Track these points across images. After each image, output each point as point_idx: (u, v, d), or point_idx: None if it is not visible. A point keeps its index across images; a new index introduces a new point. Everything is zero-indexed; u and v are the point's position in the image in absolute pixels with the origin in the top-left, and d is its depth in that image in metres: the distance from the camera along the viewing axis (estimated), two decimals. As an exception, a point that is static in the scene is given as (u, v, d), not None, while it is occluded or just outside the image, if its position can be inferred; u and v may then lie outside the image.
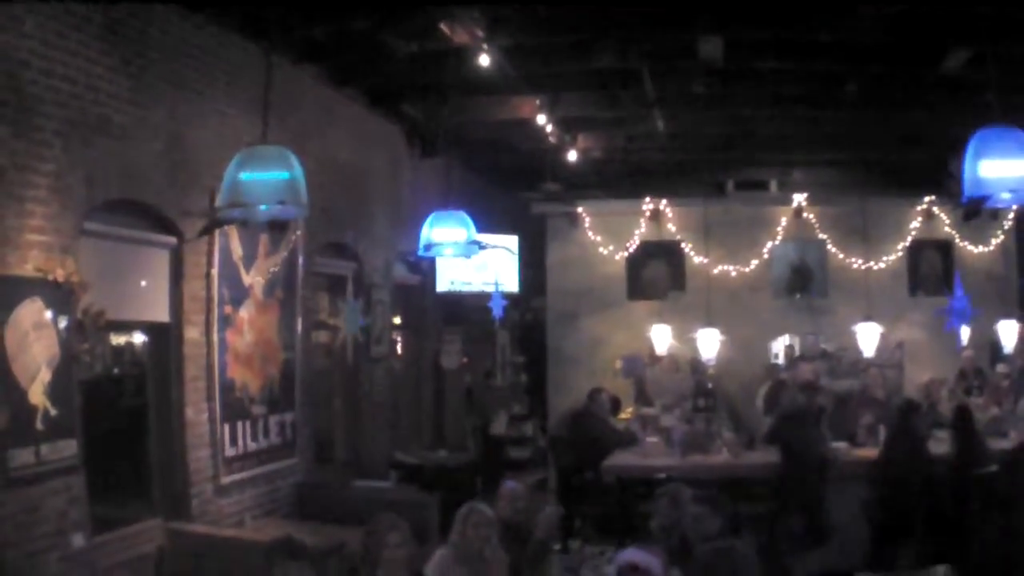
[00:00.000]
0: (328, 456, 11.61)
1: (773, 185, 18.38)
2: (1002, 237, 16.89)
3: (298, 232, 10.13)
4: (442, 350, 15.56)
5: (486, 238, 13.60)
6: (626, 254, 17.20)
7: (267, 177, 7.48)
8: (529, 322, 18.23)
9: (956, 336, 15.29)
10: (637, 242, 17.15)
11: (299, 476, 10.33)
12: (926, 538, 10.53)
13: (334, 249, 11.62)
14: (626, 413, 15.00)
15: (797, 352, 16.46)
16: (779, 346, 16.89)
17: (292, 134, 9.34)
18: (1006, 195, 7.13)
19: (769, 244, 17.00)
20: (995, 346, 16.04)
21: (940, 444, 11.51)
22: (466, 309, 15.98)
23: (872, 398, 13.14)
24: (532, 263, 17.52)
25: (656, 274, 17.53)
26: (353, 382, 12.25)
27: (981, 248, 16.86)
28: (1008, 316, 15.95)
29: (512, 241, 16.45)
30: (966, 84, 11.20)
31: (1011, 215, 16.18)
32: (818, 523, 11.00)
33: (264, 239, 9.60)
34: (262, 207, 7.17)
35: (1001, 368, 14.99)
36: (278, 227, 9.00)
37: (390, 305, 13.33)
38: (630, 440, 12.96)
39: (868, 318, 15.36)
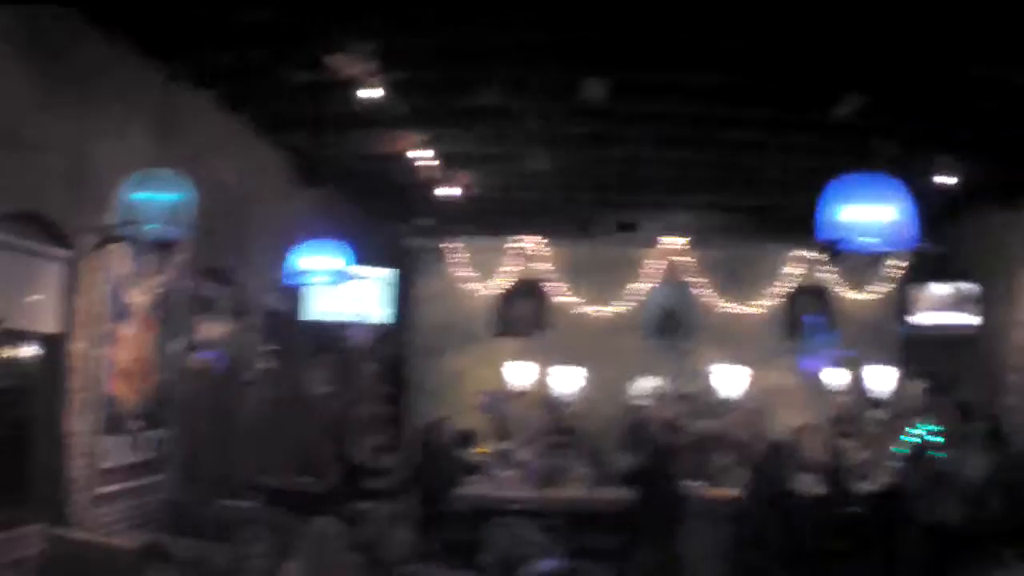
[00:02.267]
0: (197, 475, 11.97)
1: (650, 227, 18.98)
2: (886, 286, 17.99)
3: (183, 254, 10.58)
4: (309, 378, 15.99)
5: (361, 269, 14.13)
6: (495, 291, 18.07)
7: (158, 198, 8.16)
8: (394, 354, 18.66)
9: (826, 380, 16.66)
10: (507, 279, 18.03)
11: (169, 492, 10.72)
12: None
13: (214, 273, 12.03)
14: (484, 448, 15.63)
15: (662, 394, 17.28)
16: (644, 387, 17.71)
17: (186, 157, 9.70)
18: (871, 240, 7.40)
19: (639, 286, 17.96)
20: (870, 392, 16.89)
21: (808, 486, 12.50)
22: (335, 339, 16.42)
23: (732, 440, 14.06)
24: (402, 296, 17.83)
25: (523, 311, 18.45)
26: (223, 405, 12.67)
27: (861, 295, 18.03)
28: (880, 362, 16.81)
29: (387, 274, 16.80)
30: (857, 130, 11.66)
31: (896, 263, 17.45)
32: (670, 561, 11.73)
33: (151, 259, 9.99)
34: (151, 227, 7.78)
35: (874, 414, 15.93)
36: (165, 248, 9.64)
37: (261, 331, 13.78)
38: (471, 469, 14.00)
39: (731, 361, 16.32)
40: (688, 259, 18.08)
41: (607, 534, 12.10)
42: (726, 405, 16.07)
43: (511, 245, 18.20)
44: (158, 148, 8.37)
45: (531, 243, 18.18)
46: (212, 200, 11.01)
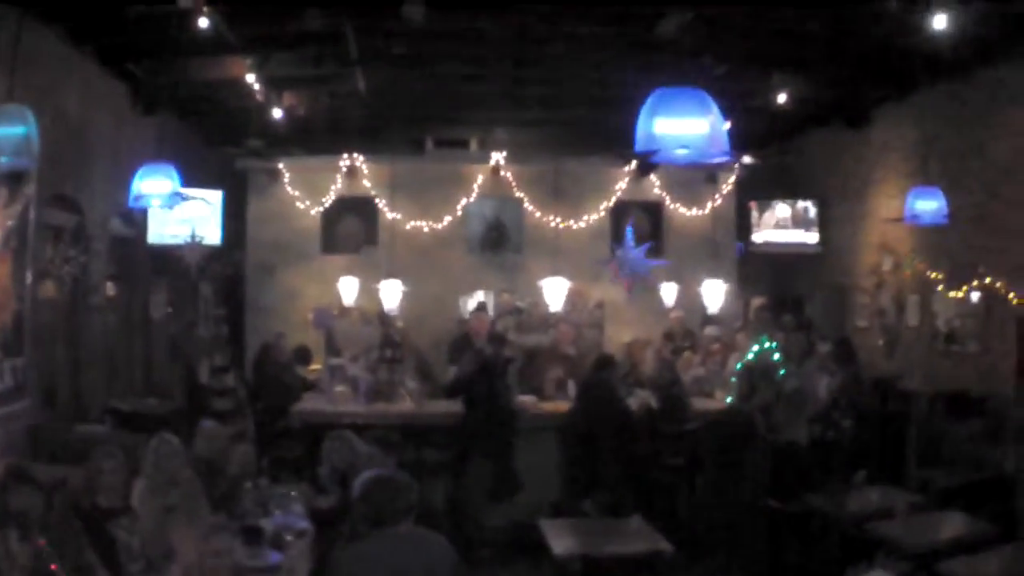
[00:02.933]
0: (54, 401, 12.23)
1: (473, 143, 19.53)
2: (719, 201, 18.58)
3: (31, 185, 10.82)
4: (150, 301, 16.19)
5: (195, 192, 14.83)
6: (322, 209, 18.24)
7: (6, 132, 8.49)
8: (230, 275, 18.80)
9: (660, 296, 17.07)
10: (333, 197, 18.20)
11: (29, 420, 10.97)
12: (616, 490, 11.65)
13: (59, 202, 12.22)
14: (317, 364, 16.04)
15: (484, 306, 17.41)
16: (473, 302, 17.90)
17: (34, 90, 9.99)
18: (681, 151, 7.39)
19: (464, 201, 18.18)
20: (705, 308, 17.34)
21: (639, 402, 12.93)
22: (172, 261, 16.50)
23: (561, 354, 14.49)
24: (236, 217, 18.19)
25: (350, 229, 18.63)
26: (75, 332, 12.93)
27: (695, 211, 18.51)
28: (717, 279, 17.25)
29: (216, 195, 17.10)
30: (682, 48, 11.81)
31: (731, 179, 18.39)
32: (505, 474, 12.08)
33: (2, 192, 10.24)
34: (2, 160, 8.10)
35: (710, 330, 16.21)
36: (14, 179, 9.99)
37: (107, 257, 14.00)
38: (307, 386, 14.35)
39: (561, 275, 16.50)
40: (515, 174, 18.34)
41: (440, 448, 12.47)
42: (554, 319, 16.23)
43: (341, 164, 18.27)
44: (5, 82, 8.58)
45: (360, 161, 18.30)
46: (57, 131, 11.34)
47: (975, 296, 13.93)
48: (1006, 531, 9.28)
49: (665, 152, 7.49)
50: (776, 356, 12.48)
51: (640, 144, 7.56)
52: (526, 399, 13.39)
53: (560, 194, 18.29)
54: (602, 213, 18.25)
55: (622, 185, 18.48)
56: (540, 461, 12.26)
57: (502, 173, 18.33)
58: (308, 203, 18.22)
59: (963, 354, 14.25)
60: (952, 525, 9.49)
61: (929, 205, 12.31)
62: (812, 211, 18.34)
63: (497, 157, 18.23)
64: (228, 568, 6.85)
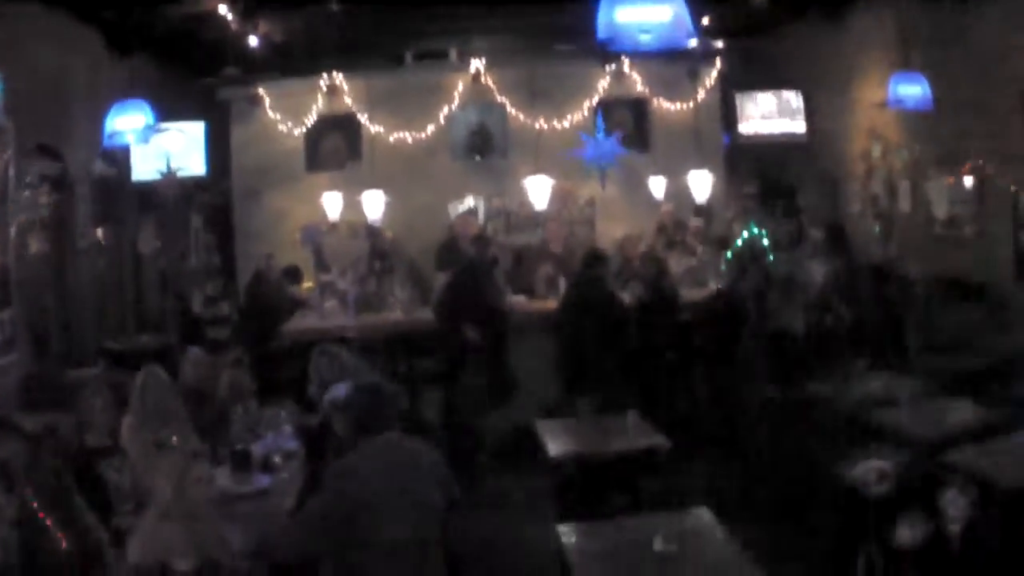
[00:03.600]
0: (46, 350, 12.13)
1: (452, 54, 19.06)
2: (703, 94, 18.30)
3: (7, 137, 10.60)
4: (139, 237, 16.06)
5: (176, 125, 15.11)
6: (304, 129, 18.04)
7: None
8: (219, 204, 18.70)
9: (646, 189, 17.07)
10: (315, 117, 18.00)
11: (20, 371, 10.89)
12: (611, 387, 11.52)
13: (40, 151, 12.12)
14: (310, 282, 16.01)
15: (469, 210, 17.57)
16: (463, 208, 17.87)
17: (4, 47, 9.92)
18: (644, 37, 7.43)
19: (446, 110, 17.97)
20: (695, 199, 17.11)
21: (634, 295, 12.80)
22: (160, 195, 16.33)
23: (551, 252, 14.41)
24: (221, 147, 18.01)
25: (333, 145, 18.38)
26: (62, 277, 12.84)
27: (680, 105, 18.23)
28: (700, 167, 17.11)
29: (198, 127, 16.92)
30: None
31: (714, 72, 18.13)
32: (500, 378, 12.06)
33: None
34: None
35: (696, 221, 16.17)
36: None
37: (91, 199, 13.89)
38: (298, 304, 14.28)
39: (548, 176, 16.35)
40: (496, 80, 18.10)
41: (433, 356, 12.47)
42: (542, 218, 16.25)
43: (321, 83, 18.08)
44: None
45: (339, 79, 18.10)
46: (32, 83, 11.15)
47: (968, 181, 13.72)
48: (1013, 419, 9.01)
49: (628, 38, 7.51)
50: (765, 242, 12.29)
51: (602, 32, 7.61)
52: (517, 299, 13.40)
53: (543, 96, 17.97)
54: (585, 112, 17.93)
55: (604, 83, 18.16)
56: (535, 362, 12.21)
57: (483, 80, 18.06)
58: (290, 125, 18.00)
59: (959, 239, 14.09)
60: (959, 413, 9.31)
61: (912, 90, 12.19)
62: (797, 101, 18.04)
63: (477, 64, 17.95)
64: (212, 496, 6.75)
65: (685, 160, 17.56)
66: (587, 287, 12.20)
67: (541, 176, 16.21)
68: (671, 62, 17.71)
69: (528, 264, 14.49)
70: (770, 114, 18.04)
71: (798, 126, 17.90)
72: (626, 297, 12.91)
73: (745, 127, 18.23)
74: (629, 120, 18.32)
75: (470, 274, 12.56)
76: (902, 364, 12.36)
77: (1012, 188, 12.47)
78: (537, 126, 17.86)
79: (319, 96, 18.08)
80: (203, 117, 17.26)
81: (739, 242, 12.99)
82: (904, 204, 15.37)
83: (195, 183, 16.98)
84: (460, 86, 18.12)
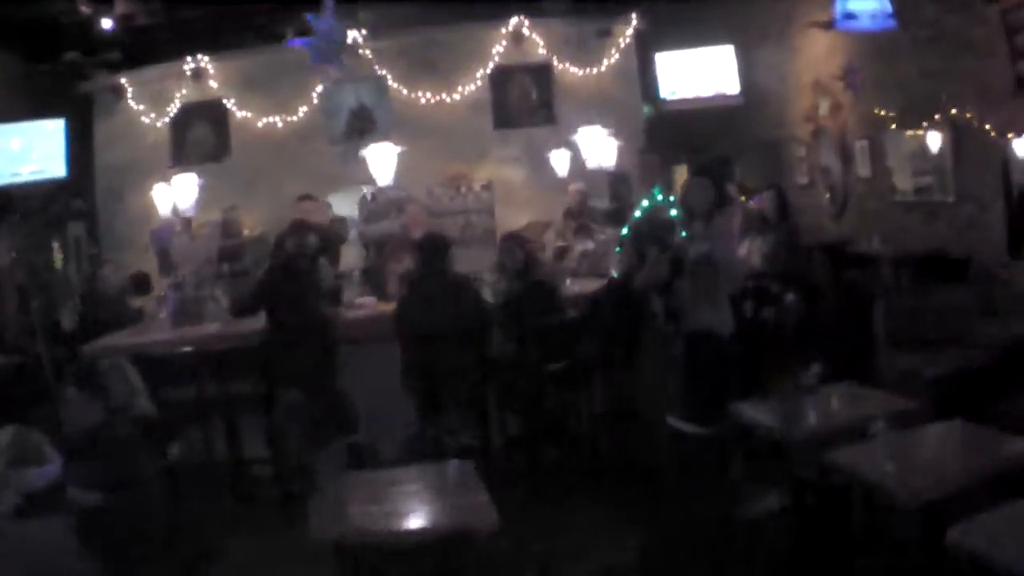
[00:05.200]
0: None
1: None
2: (617, 56, 14.55)
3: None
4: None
5: (28, 125, 13.07)
6: (167, 120, 14.70)
7: None
8: (80, 207, 15.43)
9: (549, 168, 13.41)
10: (177, 106, 14.68)
11: None
12: (466, 416, 8.32)
13: None
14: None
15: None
16: (347, 200, 13.88)
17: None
18: None
19: (319, 88, 14.49)
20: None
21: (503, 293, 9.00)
22: (15, 201, 13.52)
23: (412, 242, 10.47)
24: (86, 143, 14.87)
25: (200, 137, 14.96)
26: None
27: (589, 70, 14.54)
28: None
29: (56, 124, 13.60)
30: None
31: (629, 31, 14.18)
32: (327, 405, 8.39)
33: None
34: None
35: (596, 202, 12.30)
36: None
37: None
38: (136, 317, 10.98)
39: (440, 158, 13.40)
40: (377, 51, 14.53)
41: (246, 374, 8.70)
42: (403, 201, 12.33)
43: (185, 68, 14.65)
44: None
45: (205, 62, 14.65)
46: None
47: (936, 137, 9.87)
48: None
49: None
50: (673, 212, 8.07)
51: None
52: (364, 300, 9.86)
53: (431, 67, 14.51)
54: (479, 82, 14.40)
55: (500, 48, 14.51)
56: (385, 380, 8.39)
57: (361, 52, 14.43)
58: (154, 116, 14.73)
59: (932, 207, 10.22)
60: (960, 445, 5.44)
61: (866, 2, 8.15)
62: (728, 57, 13.89)
63: (354, 35, 14.18)
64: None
65: (598, 134, 13.53)
66: (428, 283, 8.42)
67: (385, 144, 12.35)
68: (577, 20, 14.39)
69: (384, 259, 10.54)
70: (697, 75, 13.94)
71: (731, 86, 13.77)
72: (488, 295, 8.90)
73: (668, 93, 14.16)
74: (530, 89, 14.66)
75: (280, 273, 8.87)
76: (869, 370, 8.47)
77: (1004, 136, 8.59)
78: (424, 101, 14.34)
79: (183, 82, 14.77)
80: (64, 113, 14.03)
81: (637, 213, 8.70)
82: (862, 169, 11.49)
83: (58, 186, 14.02)
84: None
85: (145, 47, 14.99)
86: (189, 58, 14.59)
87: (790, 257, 8.90)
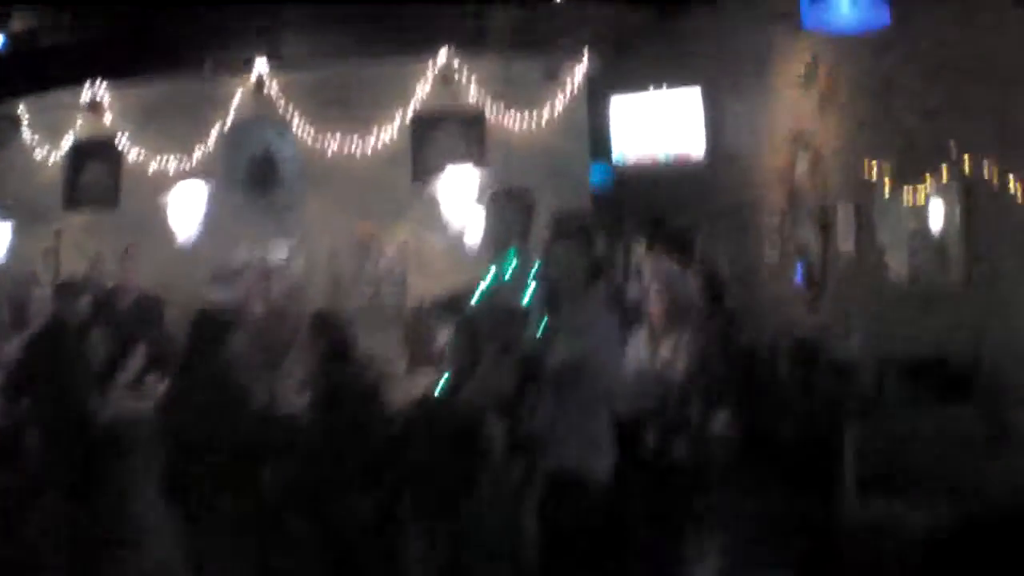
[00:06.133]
0: None
1: (237, 52, 12.08)
2: (563, 105, 11.57)
3: None
4: None
5: None
6: (61, 155, 12.22)
7: None
8: None
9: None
10: (79, 139, 12.13)
11: None
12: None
13: None
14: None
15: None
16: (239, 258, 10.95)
17: None
18: None
19: (216, 129, 11.62)
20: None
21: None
22: None
23: (248, 318, 7.40)
24: None
25: (93, 179, 12.29)
26: None
27: (529, 119, 11.57)
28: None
29: None
30: None
31: (579, 73, 11.25)
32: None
33: None
34: None
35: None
36: None
37: None
38: None
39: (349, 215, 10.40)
40: (284, 88, 11.65)
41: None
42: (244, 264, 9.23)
43: (83, 97, 11.97)
44: None
45: (102, 92, 11.94)
46: None
47: (941, 198, 6.85)
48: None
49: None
50: (530, 291, 4.80)
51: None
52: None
53: (345, 108, 11.51)
54: (396, 130, 11.45)
55: (425, 89, 11.43)
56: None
57: (266, 89, 11.58)
58: (48, 148, 12.18)
59: (931, 293, 7.08)
60: None
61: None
62: (695, 103, 10.67)
63: (260, 70, 11.45)
64: None
65: (537, 195, 10.56)
66: (196, 378, 5.49)
67: (194, 181, 9.86)
68: (519, 58, 11.27)
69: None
70: (657, 125, 10.77)
71: (695, 141, 10.58)
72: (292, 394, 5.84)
73: (622, 152, 11.05)
74: (459, 139, 11.59)
75: (46, 343, 6.28)
76: (830, 521, 5.50)
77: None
78: (333, 148, 11.42)
79: (80, 113, 12.12)
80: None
81: (479, 289, 5.51)
82: (844, 242, 8.26)
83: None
84: (237, 97, 11.67)
85: (44, 69, 12.31)
86: (88, 85, 11.92)
87: (723, 361, 5.89)
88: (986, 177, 6.35)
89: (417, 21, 11.19)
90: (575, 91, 11.43)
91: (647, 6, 11.15)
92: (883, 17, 5.14)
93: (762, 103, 9.61)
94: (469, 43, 11.09)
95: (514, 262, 4.74)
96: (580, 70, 11.37)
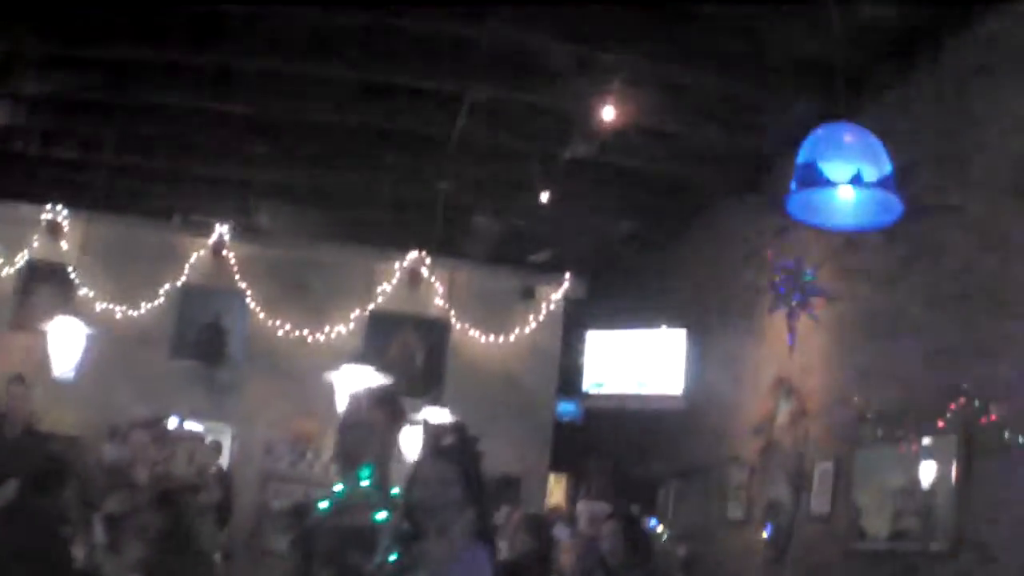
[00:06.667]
0: None
1: (204, 209, 11.61)
2: (533, 325, 10.90)
3: None
4: None
5: None
6: (11, 271, 11.39)
7: None
8: None
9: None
10: (25, 258, 11.43)
11: None
12: None
13: None
14: None
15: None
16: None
17: None
18: None
19: (167, 286, 10.99)
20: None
21: None
22: None
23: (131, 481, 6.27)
24: None
25: (44, 301, 11.31)
26: None
27: (496, 338, 10.89)
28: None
29: None
30: None
31: (557, 295, 10.46)
32: None
33: None
34: None
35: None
36: None
37: None
38: None
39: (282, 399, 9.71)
40: (242, 258, 11.10)
41: None
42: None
43: (40, 217, 11.32)
44: None
45: (62, 216, 11.32)
46: None
47: (933, 457, 5.90)
48: None
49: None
50: (382, 514, 3.58)
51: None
52: None
53: (302, 291, 10.99)
54: (351, 324, 10.85)
55: (388, 287, 10.80)
56: None
57: (226, 253, 11.04)
58: (2, 261, 11.38)
59: (913, 558, 5.94)
60: None
61: (844, 170, 4.15)
62: (679, 345, 9.75)
63: (221, 231, 10.93)
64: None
65: (491, 427, 9.54)
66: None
67: (69, 318, 9.26)
68: (495, 272, 10.91)
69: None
70: (635, 365, 9.86)
71: (673, 384, 9.61)
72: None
73: (595, 385, 10.12)
74: (419, 349, 10.93)
75: None
76: None
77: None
78: (283, 333, 10.76)
79: (35, 234, 11.42)
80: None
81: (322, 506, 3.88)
82: (819, 503, 7.14)
83: None
84: (193, 256, 11.11)
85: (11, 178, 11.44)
86: (48, 206, 11.24)
87: None
88: (988, 427, 5.36)
89: (393, 225, 10.60)
90: (549, 314, 10.73)
91: (631, 240, 10.55)
92: (895, 211, 4.23)
93: (749, 345, 8.70)
94: (443, 250, 10.40)
95: (369, 476, 3.68)
96: (558, 294, 10.67)
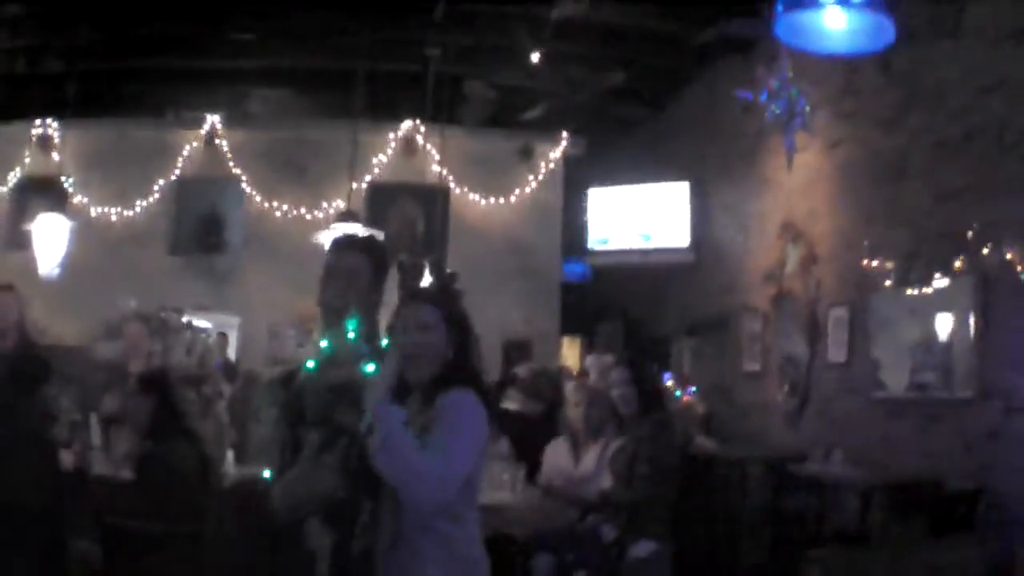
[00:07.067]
0: None
1: (192, 104, 11.11)
2: (534, 185, 10.50)
3: None
4: None
5: None
6: (4, 190, 11.00)
7: None
8: None
9: None
10: (17, 176, 11.03)
11: None
12: None
13: None
14: None
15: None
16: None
17: None
18: None
19: (161, 182, 10.60)
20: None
21: None
22: None
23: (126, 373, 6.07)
24: None
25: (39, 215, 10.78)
26: None
27: (497, 200, 10.51)
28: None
29: None
30: None
31: (556, 152, 10.06)
32: None
33: None
34: None
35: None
36: None
37: None
38: None
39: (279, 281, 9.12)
40: (236, 145, 10.64)
41: None
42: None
43: (33, 132, 10.88)
44: None
45: (52, 129, 10.89)
46: None
47: (952, 299, 5.63)
48: None
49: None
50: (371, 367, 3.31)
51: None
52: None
53: (298, 171, 10.55)
54: (345, 198, 10.16)
55: (383, 158, 10.46)
56: None
57: (218, 142, 10.62)
58: None
59: (935, 408, 5.70)
60: None
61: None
62: (682, 198, 9.44)
63: (212, 120, 10.58)
64: None
65: (498, 288, 9.63)
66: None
67: (52, 215, 9.09)
68: (490, 134, 10.37)
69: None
70: (639, 220, 9.55)
71: (681, 238, 9.32)
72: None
73: (598, 241, 9.82)
74: (416, 216, 10.52)
75: None
76: None
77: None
78: (280, 214, 10.38)
79: (26, 150, 10.99)
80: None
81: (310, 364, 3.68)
82: (836, 351, 6.89)
83: None
84: (186, 149, 10.69)
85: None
86: (38, 121, 10.86)
87: (652, 478, 4.56)
88: (1008, 268, 5.05)
89: (385, 90, 10.12)
90: (548, 172, 10.40)
91: (633, 96, 10.08)
92: (887, 35, 3.86)
93: (754, 193, 8.35)
94: (437, 117, 9.97)
95: (355, 328, 3.34)
96: (556, 152, 10.31)
